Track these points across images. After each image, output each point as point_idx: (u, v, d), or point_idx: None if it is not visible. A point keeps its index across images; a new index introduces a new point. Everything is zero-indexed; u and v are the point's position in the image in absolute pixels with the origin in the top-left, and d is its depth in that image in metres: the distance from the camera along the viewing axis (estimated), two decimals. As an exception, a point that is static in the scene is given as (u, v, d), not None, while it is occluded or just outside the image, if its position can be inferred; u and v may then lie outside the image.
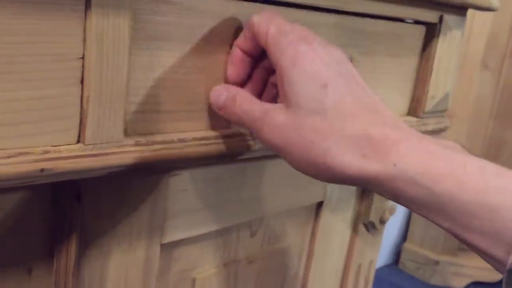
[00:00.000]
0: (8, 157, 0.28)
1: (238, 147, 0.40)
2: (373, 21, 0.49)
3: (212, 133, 0.40)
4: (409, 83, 0.57)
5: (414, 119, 0.58)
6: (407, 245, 1.66)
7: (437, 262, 1.58)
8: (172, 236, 0.41)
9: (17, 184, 0.29)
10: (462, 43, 0.58)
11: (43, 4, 0.28)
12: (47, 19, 0.29)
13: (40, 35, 0.29)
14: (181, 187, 0.40)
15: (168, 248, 0.41)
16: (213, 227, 0.44)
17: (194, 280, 0.45)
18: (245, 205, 0.46)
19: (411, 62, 0.56)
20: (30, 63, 0.29)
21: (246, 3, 0.39)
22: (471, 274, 1.59)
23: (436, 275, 1.59)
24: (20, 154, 0.29)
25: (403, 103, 0.57)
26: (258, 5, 0.39)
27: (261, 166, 0.46)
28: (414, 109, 0.58)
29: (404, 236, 1.69)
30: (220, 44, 0.39)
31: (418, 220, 1.64)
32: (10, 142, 0.29)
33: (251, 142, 0.41)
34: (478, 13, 1.48)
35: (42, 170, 0.29)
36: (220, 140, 0.39)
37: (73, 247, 0.35)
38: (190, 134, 0.38)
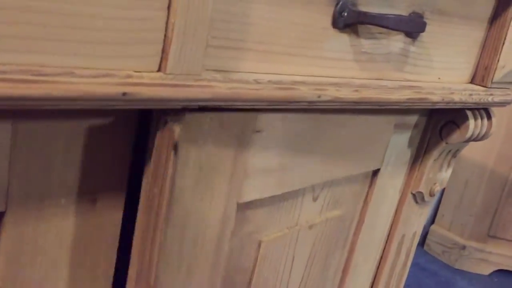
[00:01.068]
0: (94, 76, 0.27)
1: (309, 95, 0.39)
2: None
3: (288, 78, 0.38)
4: (476, 49, 0.54)
5: (481, 88, 0.55)
6: (434, 227, 1.64)
7: (464, 247, 1.56)
8: (248, 196, 0.40)
9: (99, 106, 0.29)
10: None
11: None
12: None
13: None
14: (263, 144, 0.39)
15: (242, 208, 0.41)
16: (285, 189, 0.43)
17: (260, 243, 0.44)
18: (313, 168, 0.45)
19: (481, 27, 0.53)
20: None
21: None
22: (497, 262, 1.57)
23: (461, 260, 1.56)
24: (106, 75, 0.28)
25: (467, 69, 0.55)
26: None
27: (331, 126, 0.45)
28: (481, 77, 0.55)
29: (432, 218, 1.67)
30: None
31: (448, 204, 1.61)
32: (95, 62, 0.28)
33: (321, 92, 0.39)
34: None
35: (124, 94, 0.28)
36: (294, 86, 0.38)
37: (166, 185, 0.34)
38: (266, 76, 0.37)
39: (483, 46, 0.55)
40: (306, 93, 0.38)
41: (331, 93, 0.40)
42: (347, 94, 0.41)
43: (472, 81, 0.56)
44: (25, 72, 0.25)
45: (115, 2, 0.28)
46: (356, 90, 0.42)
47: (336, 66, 0.42)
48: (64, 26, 0.26)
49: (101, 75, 0.28)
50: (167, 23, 0.30)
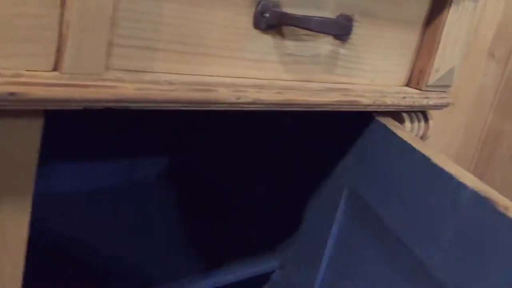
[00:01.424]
0: (-25, 75, 0.26)
1: (227, 97, 0.38)
2: (382, -19, 0.47)
3: (205, 79, 0.37)
4: (410, 52, 0.54)
5: (416, 91, 0.55)
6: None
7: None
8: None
9: (-16, 107, 0.27)
10: (473, 17, 0.56)
11: None
12: None
13: None
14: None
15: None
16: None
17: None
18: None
19: (415, 30, 0.54)
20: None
21: None
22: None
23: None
24: (-11, 74, 0.27)
25: (402, 72, 0.55)
26: None
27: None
28: (416, 80, 0.56)
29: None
30: (217, -16, 0.36)
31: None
32: (-22, 59, 0.27)
33: (240, 93, 0.39)
34: (490, 1, 1.44)
35: (11, 93, 0.27)
36: (212, 88, 0.37)
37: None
38: (181, 77, 0.36)
39: (418, 50, 0.55)
40: (224, 94, 0.38)
41: (251, 95, 0.40)
42: (269, 96, 0.41)
43: (408, 84, 0.57)
44: None
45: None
46: (279, 92, 0.42)
47: (259, 68, 0.42)
48: None
49: (-15, 74, 0.27)
50: (61, 20, 0.29)
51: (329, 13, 0.45)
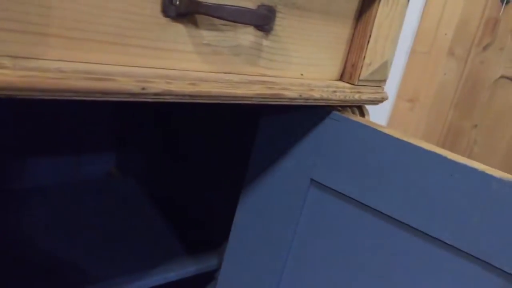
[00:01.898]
0: None
1: (130, 87, 0.36)
2: (306, -29, 0.46)
3: (105, 68, 0.36)
4: (342, 45, 0.54)
5: (348, 85, 0.54)
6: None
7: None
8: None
9: None
10: (405, 10, 0.55)
11: None
12: None
13: None
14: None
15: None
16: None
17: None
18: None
19: (345, 23, 0.53)
20: None
21: None
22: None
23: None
24: None
25: (334, 65, 0.54)
26: None
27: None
28: (349, 74, 0.55)
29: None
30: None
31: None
32: None
33: (146, 84, 0.37)
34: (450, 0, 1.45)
35: None
36: (111, 77, 0.35)
37: None
38: (75, 65, 0.34)
39: (350, 44, 0.54)
40: (125, 84, 0.36)
41: (159, 85, 0.38)
42: (180, 87, 0.39)
43: (341, 78, 0.56)
44: None
45: None
46: (193, 83, 0.40)
47: (169, 58, 0.40)
48: None
49: None
50: None
51: (249, 3, 0.43)
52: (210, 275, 0.78)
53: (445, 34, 1.48)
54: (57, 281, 0.68)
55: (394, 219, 0.49)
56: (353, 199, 0.53)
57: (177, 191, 0.90)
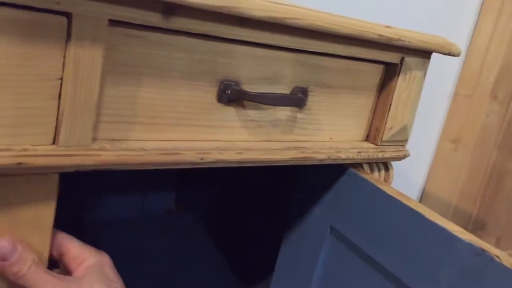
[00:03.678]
0: (-5, 151, 0.37)
1: (192, 158, 0.48)
2: (332, 59, 0.56)
3: (174, 145, 0.48)
4: (367, 113, 0.64)
5: (372, 145, 0.64)
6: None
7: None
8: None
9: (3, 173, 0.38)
10: (422, 82, 0.64)
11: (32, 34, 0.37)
12: (35, 46, 0.37)
13: (28, 59, 0.37)
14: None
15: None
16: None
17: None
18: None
19: (369, 95, 0.63)
20: (19, 81, 0.37)
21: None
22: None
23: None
24: (5, 150, 0.38)
25: (360, 129, 0.64)
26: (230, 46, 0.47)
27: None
28: (373, 136, 0.65)
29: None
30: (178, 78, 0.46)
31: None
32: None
33: (204, 155, 0.49)
34: (492, 44, 1.51)
35: (19, 163, 0.38)
36: (178, 151, 0.47)
37: None
38: (153, 143, 0.46)
39: (374, 111, 0.64)
40: (189, 156, 0.48)
41: (214, 156, 0.49)
42: (230, 156, 0.51)
43: (367, 139, 0.65)
44: None
45: (16, 97, 0.37)
46: (239, 152, 0.51)
47: (222, 133, 0.52)
48: (-28, 115, 0.36)
49: (2, 149, 0.37)
50: (58, 108, 0.40)
51: (284, 87, 0.55)
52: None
53: (487, 78, 1.54)
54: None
55: (396, 277, 0.57)
56: (362, 250, 0.61)
57: (232, 227, 1.01)
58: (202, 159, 0.49)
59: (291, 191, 0.78)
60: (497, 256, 0.49)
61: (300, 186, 0.73)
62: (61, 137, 0.40)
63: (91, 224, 0.98)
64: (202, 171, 1.09)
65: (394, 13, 1.25)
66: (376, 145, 0.64)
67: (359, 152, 0.62)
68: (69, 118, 0.40)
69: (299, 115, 0.57)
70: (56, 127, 0.40)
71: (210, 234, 1.02)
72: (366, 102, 0.63)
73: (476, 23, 1.52)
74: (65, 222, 0.48)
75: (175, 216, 1.09)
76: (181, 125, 0.49)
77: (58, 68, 0.39)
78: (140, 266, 0.88)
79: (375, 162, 0.67)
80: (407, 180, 1.57)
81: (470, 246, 0.50)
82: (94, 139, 0.43)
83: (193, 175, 1.09)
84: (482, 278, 0.49)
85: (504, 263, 0.48)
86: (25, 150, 0.39)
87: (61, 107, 0.40)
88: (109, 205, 1.01)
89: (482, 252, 0.49)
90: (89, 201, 1.00)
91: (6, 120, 0.38)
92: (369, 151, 0.63)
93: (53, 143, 0.40)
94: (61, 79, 0.39)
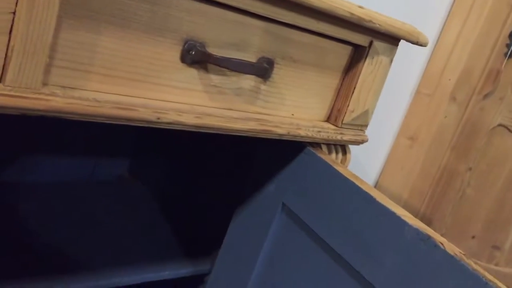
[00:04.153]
0: None
1: (148, 116, 0.46)
2: (302, 33, 0.55)
3: (130, 100, 0.46)
4: (330, 93, 0.63)
5: (332, 127, 0.64)
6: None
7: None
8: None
9: None
10: (388, 69, 0.64)
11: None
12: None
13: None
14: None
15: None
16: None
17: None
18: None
19: (335, 75, 0.62)
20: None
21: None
22: None
23: None
24: None
25: (322, 109, 0.64)
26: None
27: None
28: (334, 118, 0.64)
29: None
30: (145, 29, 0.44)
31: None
32: None
33: (161, 114, 0.47)
34: (457, 47, 1.54)
35: (-41, 98, 0.35)
36: (133, 107, 0.45)
37: None
38: (108, 96, 0.44)
39: (338, 92, 0.64)
40: (144, 114, 0.46)
41: (171, 116, 0.48)
42: (188, 119, 0.49)
43: (328, 120, 0.65)
44: None
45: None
46: (198, 117, 0.50)
47: (182, 94, 0.50)
48: None
49: None
50: (8, 44, 0.37)
51: (251, 55, 0.53)
52: (201, 278, 0.87)
53: (449, 79, 1.57)
54: (55, 269, 0.77)
55: (342, 257, 0.58)
56: (311, 229, 0.61)
57: (183, 199, 1.00)
58: (158, 118, 0.47)
59: (247, 167, 0.77)
60: (441, 243, 0.50)
61: (257, 162, 0.72)
62: (9, 76, 0.38)
63: (34, 183, 0.94)
64: (157, 140, 1.07)
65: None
66: (337, 126, 0.64)
67: (319, 131, 0.62)
68: (19, 56, 0.37)
69: (263, 87, 0.56)
70: (4, 65, 0.37)
71: (160, 205, 1.00)
72: (330, 82, 0.63)
73: (444, 25, 1.54)
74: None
75: (126, 183, 1.06)
76: (139, 81, 0.47)
77: (11, 1, 0.36)
78: (85, 230, 0.85)
79: (334, 144, 0.67)
80: (362, 171, 1.59)
81: (416, 231, 0.51)
82: (45, 84, 0.40)
83: (148, 144, 1.07)
84: (426, 263, 0.50)
85: (448, 250, 0.49)
86: (-34, 84, 0.36)
87: (11, 43, 0.37)
88: (60, 165, 0.98)
89: (427, 238, 0.50)
90: (37, 159, 0.96)
91: None
92: (329, 131, 0.63)
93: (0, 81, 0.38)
94: (14, 13, 0.36)
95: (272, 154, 0.69)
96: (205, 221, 0.93)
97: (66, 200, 0.92)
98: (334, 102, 0.64)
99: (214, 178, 0.94)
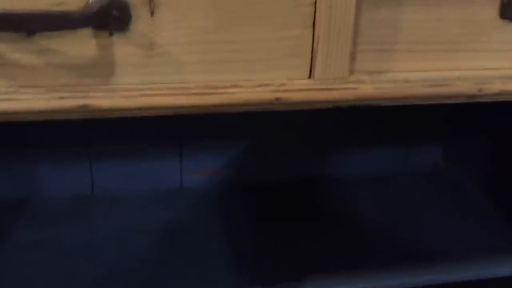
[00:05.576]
0: (253, 86, 0.36)
1: (467, 90, 0.39)
2: None
3: (443, 74, 0.40)
4: None
5: None
6: None
7: None
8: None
9: (259, 110, 0.37)
10: None
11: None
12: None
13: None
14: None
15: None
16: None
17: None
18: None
19: None
20: (271, 9, 0.35)
21: None
22: None
23: None
24: (262, 85, 0.37)
25: None
26: None
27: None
28: None
29: None
30: None
31: None
32: (254, 75, 0.37)
33: (483, 86, 0.39)
34: None
35: (277, 99, 0.37)
36: (448, 82, 0.39)
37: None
38: (418, 74, 0.40)
39: None
40: (462, 87, 0.39)
41: (497, 86, 0.40)
42: (517, 86, 0.40)
43: None
44: (203, 87, 0.36)
45: (267, 27, 0.36)
46: (532, 82, 0.40)
47: (508, 59, 0.41)
48: (233, 51, 0.36)
49: (259, 85, 0.37)
50: (313, 37, 0.37)
51: None
52: None
53: None
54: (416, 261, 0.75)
55: None
56: None
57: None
58: (480, 90, 0.40)
59: None
60: None
61: None
62: (317, 70, 0.37)
63: (344, 178, 0.97)
64: (473, 118, 0.96)
65: None
66: None
67: None
68: (325, 47, 0.37)
69: None
70: (311, 59, 0.37)
71: (483, 192, 0.90)
72: None
73: None
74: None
75: (442, 172, 0.99)
76: (451, 50, 0.40)
77: (310, -8, 0.36)
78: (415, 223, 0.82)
79: None
80: None
81: None
82: (351, 72, 0.39)
83: (463, 125, 0.97)
84: None
85: None
86: (282, 85, 0.37)
87: (315, 35, 0.37)
88: (368, 158, 0.98)
89: None
90: (337, 152, 0.98)
91: (261, 54, 0.36)
92: None
93: (309, 77, 0.38)
94: (315, 4, 0.36)
95: None
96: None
97: (381, 195, 0.91)
98: None
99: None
